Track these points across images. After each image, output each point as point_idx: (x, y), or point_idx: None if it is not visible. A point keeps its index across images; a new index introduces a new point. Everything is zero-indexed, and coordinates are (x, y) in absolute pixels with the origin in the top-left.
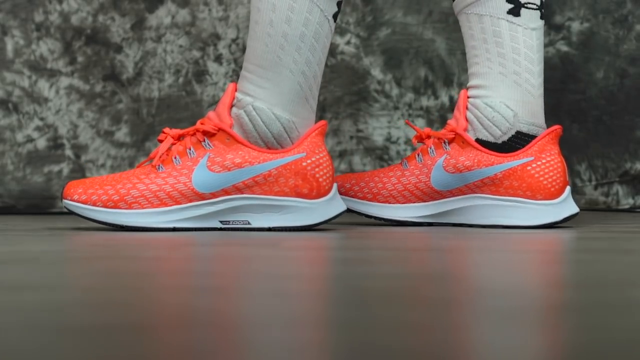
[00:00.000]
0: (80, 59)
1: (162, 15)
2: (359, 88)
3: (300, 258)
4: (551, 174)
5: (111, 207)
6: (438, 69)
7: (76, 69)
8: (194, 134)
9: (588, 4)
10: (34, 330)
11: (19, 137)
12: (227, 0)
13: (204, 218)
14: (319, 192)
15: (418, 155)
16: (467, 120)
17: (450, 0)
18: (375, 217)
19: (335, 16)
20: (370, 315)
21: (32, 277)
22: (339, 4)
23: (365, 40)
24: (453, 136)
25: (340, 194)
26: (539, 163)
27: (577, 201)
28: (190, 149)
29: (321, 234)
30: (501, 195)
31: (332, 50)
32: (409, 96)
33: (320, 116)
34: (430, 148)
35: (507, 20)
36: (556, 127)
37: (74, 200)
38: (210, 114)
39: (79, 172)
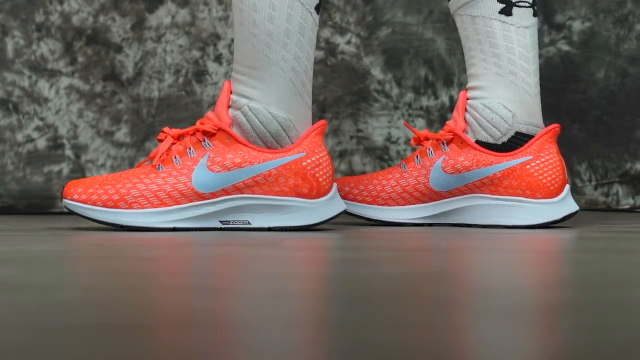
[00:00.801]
0: (80, 59)
1: (162, 15)
2: (359, 88)
3: (300, 258)
4: (550, 172)
5: (111, 207)
6: (438, 69)
7: (76, 69)
8: (193, 134)
9: (589, 4)
10: (34, 330)
11: (19, 137)
12: (227, 0)
13: (204, 218)
14: (319, 192)
15: (417, 157)
16: (465, 121)
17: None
18: (375, 220)
19: (317, 8)
20: (370, 315)
21: (32, 277)
22: None
23: (365, 40)
24: (452, 137)
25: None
26: (537, 162)
27: (577, 201)
28: (190, 149)
29: (321, 234)
30: (501, 195)
31: (332, 50)
32: (409, 96)
33: (320, 116)
34: (429, 150)
35: (500, 20)
36: (554, 126)
37: (74, 200)
38: (210, 114)
39: (79, 172)
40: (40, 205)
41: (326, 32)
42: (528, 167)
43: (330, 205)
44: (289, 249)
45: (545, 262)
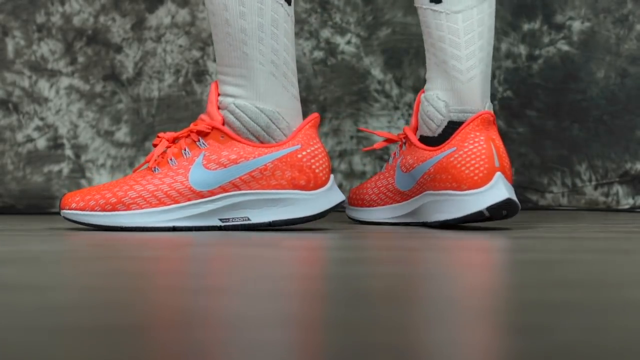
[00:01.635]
0: (80, 59)
1: (162, 15)
2: (359, 88)
3: (300, 258)
4: (473, 162)
5: (109, 210)
6: None
7: (76, 69)
8: (188, 136)
9: (589, 4)
10: (34, 330)
11: (19, 137)
12: None
13: (203, 216)
14: (317, 183)
15: (390, 158)
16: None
17: None
18: (357, 220)
19: (288, 0)
20: (369, 315)
21: (32, 277)
22: None
23: (365, 40)
24: (404, 136)
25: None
26: (460, 153)
27: (577, 201)
28: (185, 150)
29: (321, 234)
30: (437, 190)
31: (332, 50)
32: (409, 96)
33: (320, 116)
34: (397, 150)
35: (431, 10)
36: (482, 113)
37: (72, 209)
38: (202, 116)
39: (78, 172)
40: (40, 205)
41: (326, 33)
42: (452, 159)
43: (329, 196)
44: (289, 249)
45: (545, 262)
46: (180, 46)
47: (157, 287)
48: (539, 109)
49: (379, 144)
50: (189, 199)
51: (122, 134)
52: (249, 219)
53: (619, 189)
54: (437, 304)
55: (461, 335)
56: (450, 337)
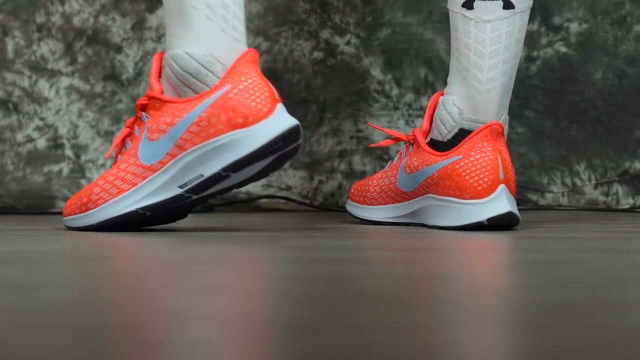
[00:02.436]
0: (80, 59)
1: (162, 15)
2: (359, 88)
3: (300, 258)
4: (478, 172)
5: (84, 211)
6: (438, 69)
7: (76, 69)
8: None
9: (587, 5)
10: (34, 330)
11: (19, 137)
12: None
13: (161, 190)
14: (257, 117)
15: (396, 157)
16: (431, 121)
17: None
18: (359, 218)
19: None
20: (369, 315)
21: (32, 277)
22: None
23: (365, 40)
24: (413, 137)
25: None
26: (466, 161)
27: (577, 201)
28: (135, 129)
29: (321, 234)
30: (439, 195)
31: (332, 51)
32: (409, 96)
33: (320, 116)
34: (403, 150)
35: (462, 14)
36: (492, 123)
37: (66, 216)
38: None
39: (79, 172)
40: (40, 205)
41: (326, 33)
42: (457, 166)
43: (275, 124)
44: (289, 249)
45: (545, 262)
46: None
47: (157, 287)
48: (537, 109)
49: (386, 141)
50: (144, 177)
51: None
52: (202, 175)
53: (618, 188)
54: (437, 304)
55: (461, 335)
56: (450, 337)
